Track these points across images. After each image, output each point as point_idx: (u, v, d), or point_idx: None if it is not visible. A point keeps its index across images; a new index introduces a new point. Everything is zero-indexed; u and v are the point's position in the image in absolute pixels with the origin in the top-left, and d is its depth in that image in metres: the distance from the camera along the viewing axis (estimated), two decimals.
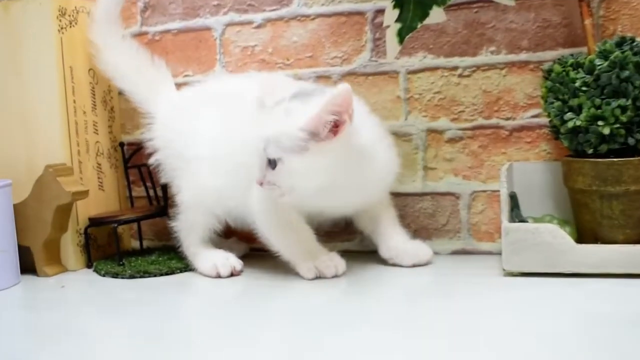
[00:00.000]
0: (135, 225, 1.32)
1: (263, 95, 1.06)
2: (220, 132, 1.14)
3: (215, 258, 1.14)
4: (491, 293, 0.97)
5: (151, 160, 1.23)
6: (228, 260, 1.13)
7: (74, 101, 1.23)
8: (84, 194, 1.18)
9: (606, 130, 0.98)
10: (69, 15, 1.23)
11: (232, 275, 1.12)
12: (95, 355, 0.82)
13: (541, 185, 1.15)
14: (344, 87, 0.97)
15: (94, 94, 1.28)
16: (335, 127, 0.98)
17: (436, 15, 1.04)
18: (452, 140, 1.19)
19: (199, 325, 0.92)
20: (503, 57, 1.16)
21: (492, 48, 1.16)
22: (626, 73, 0.97)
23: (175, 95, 1.26)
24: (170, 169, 1.21)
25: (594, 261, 0.98)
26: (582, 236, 1.05)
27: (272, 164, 1.00)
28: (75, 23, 1.24)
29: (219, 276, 1.11)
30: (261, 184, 1.01)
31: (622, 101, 0.97)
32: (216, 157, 1.13)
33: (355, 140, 1.01)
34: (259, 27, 1.28)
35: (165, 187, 1.27)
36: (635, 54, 0.99)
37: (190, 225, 1.17)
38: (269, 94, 1.05)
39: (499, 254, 1.04)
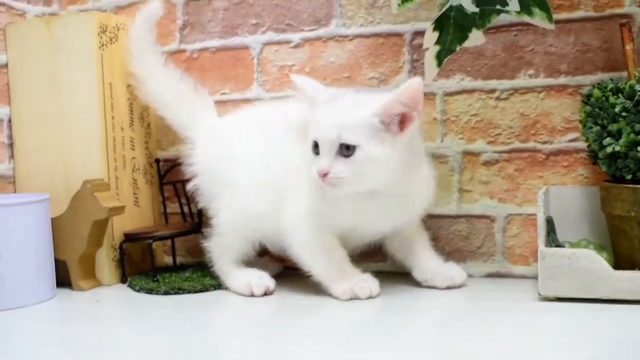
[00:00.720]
0: (168, 242, 1.33)
1: (313, 93, 1.08)
2: (260, 158, 1.15)
3: (248, 277, 1.14)
4: (527, 317, 0.96)
5: (189, 186, 1.24)
6: (261, 279, 1.13)
7: (112, 117, 1.25)
8: (120, 209, 1.19)
9: None
10: (110, 32, 1.24)
11: (265, 294, 1.12)
12: None
13: (577, 210, 1.14)
14: (416, 80, 0.98)
15: (131, 110, 1.30)
16: (402, 123, 1.00)
17: (475, 38, 1.05)
18: (488, 163, 1.19)
19: (232, 342, 0.92)
20: (541, 81, 1.16)
21: (531, 71, 1.16)
22: None
23: (216, 120, 1.28)
24: (209, 194, 1.21)
25: (632, 288, 0.97)
26: (620, 262, 1.04)
27: (346, 151, 1.00)
28: (116, 40, 1.26)
29: (252, 295, 1.12)
30: (325, 175, 1.00)
31: None
32: (256, 183, 1.14)
33: (416, 144, 1.05)
34: (296, 46, 1.29)
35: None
36: None
37: (225, 248, 1.18)
38: (319, 91, 1.08)
39: (534, 277, 1.03)
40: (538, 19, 1.02)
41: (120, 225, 1.26)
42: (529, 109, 1.16)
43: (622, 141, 0.99)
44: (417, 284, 1.13)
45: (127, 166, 1.28)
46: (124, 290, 1.20)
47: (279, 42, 1.30)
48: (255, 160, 1.15)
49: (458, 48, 1.05)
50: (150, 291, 1.17)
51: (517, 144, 1.17)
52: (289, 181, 1.11)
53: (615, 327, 0.90)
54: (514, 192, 1.18)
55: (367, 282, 1.08)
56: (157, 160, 1.34)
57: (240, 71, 1.33)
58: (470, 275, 1.19)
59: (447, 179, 1.20)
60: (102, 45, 1.23)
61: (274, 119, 1.18)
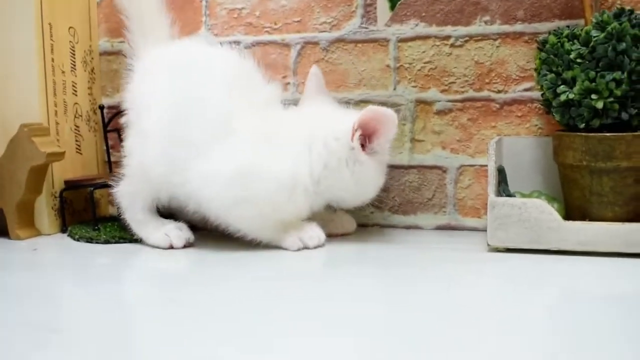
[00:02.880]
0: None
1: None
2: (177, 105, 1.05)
3: (166, 228, 1.08)
4: (474, 268, 0.94)
5: (122, 120, 1.14)
6: (181, 230, 1.08)
7: (52, 59, 1.19)
8: (59, 155, 1.14)
9: (599, 104, 0.95)
10: None
11: (184, 247, 1.07)
12: (60, 317, 0.79)
13: (531, 161, 1.12)
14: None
15: (73, 54, 1.24)
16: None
17: None
18: (441, 112, 1.15)
19: (166, 290, 0.89)
20: (497, 28, 1.12)
21: (487, 18, 1.13)
22: (623, 45, 0.94)
23: (159, 52, 1.15)
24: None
25: (582, 239, 0.95)
26: (571, 213, 1.02)
27: None
28: None
29: (171, 247, 1.06)
30: None
31: (617, 74, 0.94)
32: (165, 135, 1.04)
33: None
34: None
35: None
36: (633, 26, 0.95)
37: (136, 195, 1.09)
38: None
39: (485, 230, 1.01)
40: None
41: (61, 173, 1.21)
42: (484, 56, 1.13)
43: (576, 89, 0.96)
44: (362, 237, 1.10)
45: (68, 112, 1.23)
46: (63, 240, 1.16)
47: None
48: (169, 109, 1.05)
49: None
50: (90, 240, 1.12)
51: (471, 93, 1.14)
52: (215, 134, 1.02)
53: (564, 278, 0.89)
54: (466, 143, 1.15)
55: (315, 231, 1.05)
56: (101, 107, 1.28)
57: (188, 14, 1.27)
58: (420, 228, 1.17)
59: (399, 128, 1.16)
60: None
61: (196, 60, 1.09)
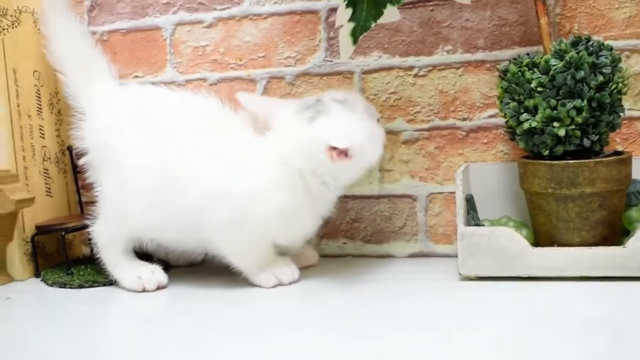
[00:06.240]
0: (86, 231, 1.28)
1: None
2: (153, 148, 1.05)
3: (140, 271, 1.08)
4: (447, 296, 0.95)
5: (81, 162, 1.13)
6: (154, 274, 1.08)
7: (18, 105, 1.19)
8: (29, 201, 1.14)
9: (561, 132, 0.96)
10: (11, 16, 1.18)
11: (158, 289, 1.07)
12: None
13: (499, 187, 1.13)
14: None
15: (39, 97, 1.24)
16: None
17: (390, 14, 1.01)
18: (408, 142, 1.17)
19: (146, 337, 0.89)
20: (459, 57, 1.14)
21: (448, 47, 1.14)
22: (581, 73, 0.96)
23: (113, 89, 1.15)
24: (97, 170, 1.12)
25: (550, 264, 0.97)
26: (539, 239, 1.04)
27: None
28: (18, 24, 1.19)
29: (144, 290, 1.06)
30: None
31: (577, 102, 0.96)
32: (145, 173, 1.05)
33: None
34: (210, 26, 1.24)
35: None
36: (590, 54, 0.97)
37: (112, 236, 1.09)
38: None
39: (457, 256, 1.02)
40: None
41: (32, 217, 1.20)
42: (447, 85, 1.15)
43: (538, 117, 0.98)
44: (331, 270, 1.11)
45: (36, 155, 1.22)
46: (37, 285, 1.15)
47: (191, 22, 1.25)
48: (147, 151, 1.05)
49: (373, 25, 1.01)
50: (64, 285, 1.12)
51: (437, 122, 1.15)
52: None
53: (534, 304, 0.90)
54: (434, 171, 1.16)
55: (289, 267, 1.06)
56: (70, 148, 1.28)
57: (152, 53, 1.28)
58: (393, 256, 1.18)
59: None
60: (3, 29, 1.16)
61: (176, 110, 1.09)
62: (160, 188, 1.03)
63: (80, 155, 1.13)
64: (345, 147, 0.97)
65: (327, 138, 0.98)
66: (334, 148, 0.97)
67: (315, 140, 0.99)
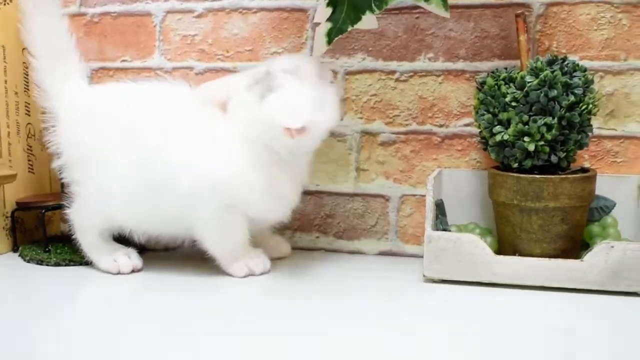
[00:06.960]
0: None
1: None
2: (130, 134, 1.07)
3: (116, 255, 1.11)
4: (408, 296, 0.99)
5: (54, 165, 1.14)
6: (129, 257, 1.11)
7: (6, 81, 1.21)
8: (11, 177, 1.16)
9: (531, 147, 1.00)
10: None
11: (133, 272, 1.10)
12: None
13: (469, 194, 1.17)
14: None
15: (27, 74, 1.25)
16: None
17: (368, 21, 1.03)
18: (385, 144, 1.20)
19: (108, 320, 0.92)
20: (440, 65, 1.17)
21: (430, 55, 1.17)
22: (554, 92, 0.99)
23: (87, 89, 1.16)
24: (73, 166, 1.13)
25: (511, 273, 1.01)
26: (503, 247, 1.08)
27: None
28: (10, 1, 1.21)
29: (119, 273, 1.10)
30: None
31: (548, 119, 0.99)
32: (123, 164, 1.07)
33: None
34: (199, 16, 1.26)
35: None
36: (564, 73, 1.01)
37: (88, 220, 1.11)
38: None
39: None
40: (434, 7, 1.02)
41: (14, 193, 1.23)
42: (427, 91, 1.18)
43: (510, 130, 1.01)
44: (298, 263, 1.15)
45: (21, 132, 1.25)
46: (13, 260, 1.18)
47: (182, 11, 1.27)
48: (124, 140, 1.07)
49: (349, 29, 1.03)
50: (40, 262, 1.15)
51: (414, 126, 1.19)
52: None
53: (491, 309, 0.94)
54: (409, 173, 1.20)
55: (260, 258, 1.10)
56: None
57: (141, 38, 1.30)
58: (363, 253, 1.22)
59: (345, 157, 1.21)
60: None
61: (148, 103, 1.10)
62: (141, 184, 1.05)
63: (55, 156, 1.14)
64: (299, 127, 0.98)
65: (281, 120, 0.98)
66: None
67: (270, 121, 0.99)
